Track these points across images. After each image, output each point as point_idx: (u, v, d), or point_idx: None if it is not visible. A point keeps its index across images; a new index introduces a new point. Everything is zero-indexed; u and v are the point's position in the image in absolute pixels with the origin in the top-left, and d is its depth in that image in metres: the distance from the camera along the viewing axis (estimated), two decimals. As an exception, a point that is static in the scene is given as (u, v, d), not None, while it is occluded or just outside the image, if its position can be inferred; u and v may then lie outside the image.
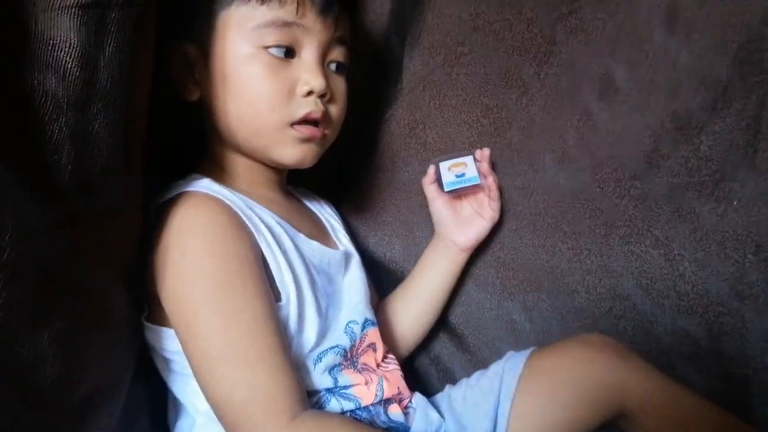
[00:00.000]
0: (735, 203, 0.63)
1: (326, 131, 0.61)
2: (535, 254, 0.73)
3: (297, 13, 0.56)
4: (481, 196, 0.74)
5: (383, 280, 0.80)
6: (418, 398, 0.66)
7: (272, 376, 0.49)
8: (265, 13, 0.56)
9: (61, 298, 0.41)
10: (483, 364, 0.75)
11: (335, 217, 0.75)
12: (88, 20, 0.39)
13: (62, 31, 0.39)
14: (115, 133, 0.43)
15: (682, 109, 0.65)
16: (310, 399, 0.55)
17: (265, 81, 0.56)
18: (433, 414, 0.66)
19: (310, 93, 0.58)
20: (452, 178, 0.71)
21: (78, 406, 0.43)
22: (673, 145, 0.65)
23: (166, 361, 0.57)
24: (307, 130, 0.59)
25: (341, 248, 0.69)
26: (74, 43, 0.39)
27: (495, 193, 0.72)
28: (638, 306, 0.69)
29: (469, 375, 0.74)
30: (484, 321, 0.76)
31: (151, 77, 0.49)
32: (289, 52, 0.58)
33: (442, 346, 0.79)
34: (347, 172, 0.80)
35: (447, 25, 0.74)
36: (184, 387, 0.56)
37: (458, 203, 0.75)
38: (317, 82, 0.58)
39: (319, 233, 0.68)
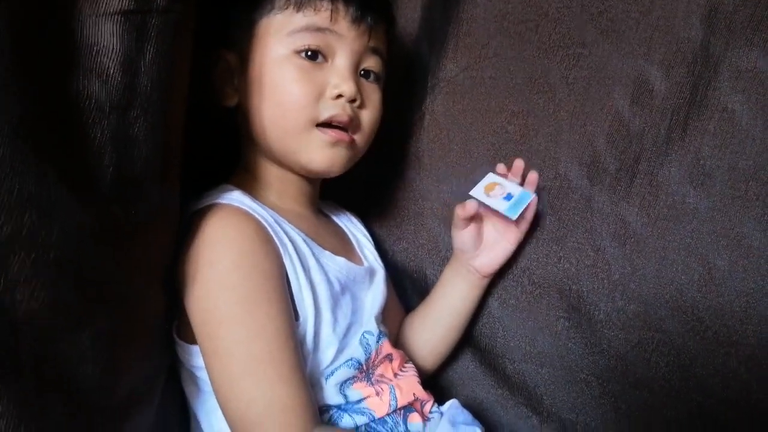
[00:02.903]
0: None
1: (355, 137, 0.65)
2: (557, 268, 0.72)
3: (330, 19, 0.62)
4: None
5: (408, 290, 0.82)
6: (453, 404, 0.68)
7: (289, 393, 0.53)
8: (300, 20, 0.62)
9: (100, 301, 0.44)
10: (505, 381, 0.76)
11: (363, 231, 0.79)
12: (130, 26, 0.44)
13: (105, 37, 0.43)
14: (154, 137, 0.47)
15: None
16: (323, 416, 0.58)
17: (296, 83, 0.61)
18: (465, 417, 0.67)
19: (339, 96, 0.62)
20: (505, 204, 0.68)
21: (118, 407, 0.46)
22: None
23: (191, 376, 0.60)
24: (333, 132, 0.63)
25: (365, 264, 0.72)
26: (117, 49, 0.43)
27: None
28: (674, 339, 0.65)
29: (487, 392, 0.75)
30: (506, 338, 0.76)
31: (188, 83, 0.53)
32: (321, 56, 0.62)
33: (466, 359, 0.80)
34: (371, 181, 0.83)
35: (472, 27, 0.76)
36: (203, 404, 0.60)
37: (483, 228, 0.73)
38: (347, 86, 0.62)
39: (345, 249, 0.72)
